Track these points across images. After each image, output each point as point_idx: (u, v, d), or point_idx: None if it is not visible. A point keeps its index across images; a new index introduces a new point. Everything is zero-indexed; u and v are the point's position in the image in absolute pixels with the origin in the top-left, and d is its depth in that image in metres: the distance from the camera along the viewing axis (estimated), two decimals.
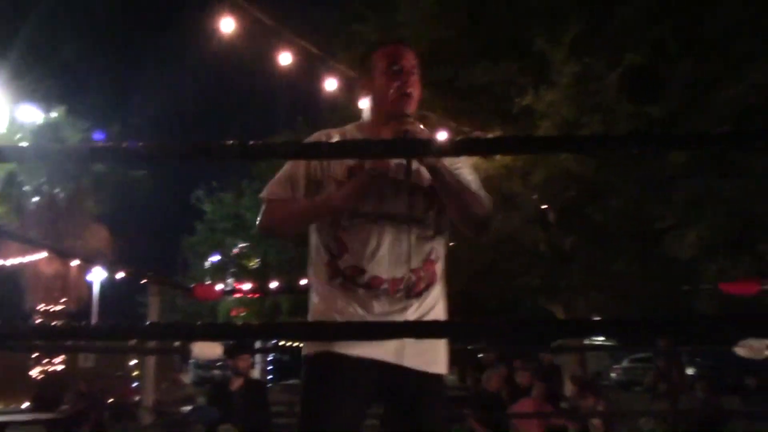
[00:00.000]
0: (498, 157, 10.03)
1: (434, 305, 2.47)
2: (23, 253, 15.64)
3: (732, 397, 13.65)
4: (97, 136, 17.25)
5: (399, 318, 2.34)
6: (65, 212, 16.41)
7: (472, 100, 11.09)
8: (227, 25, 5.11)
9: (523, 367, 10.68)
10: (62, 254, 14.01)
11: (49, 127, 16.80)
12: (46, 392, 15.47)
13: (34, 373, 15.88)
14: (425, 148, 2.13)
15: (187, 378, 20.80)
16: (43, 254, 15.79)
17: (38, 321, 15.97)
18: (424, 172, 2.40)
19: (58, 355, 15.86)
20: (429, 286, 2.46)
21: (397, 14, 11.39)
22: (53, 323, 14.73)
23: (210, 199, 22.91)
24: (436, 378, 2.41)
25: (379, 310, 2.35)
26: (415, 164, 2.41)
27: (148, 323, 2.38)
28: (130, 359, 18.27)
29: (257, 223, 2.49)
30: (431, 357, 2.41)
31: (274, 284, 16.55)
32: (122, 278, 16.75)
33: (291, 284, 17.03)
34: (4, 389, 16.16)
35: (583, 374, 11.36)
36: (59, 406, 13.85)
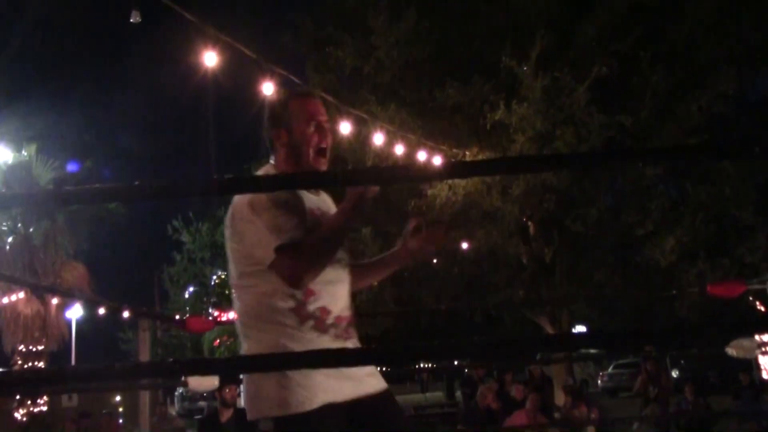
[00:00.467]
0: None
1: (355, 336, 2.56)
2: (1, 294, 15.39)
3: (723, 397, 13.81)
4: (71, 167, 17.10)
5: None
6: (41, 250, 16.17)
7: (448, 119, 11.23)
8: (208, 58, 5.14)
9: (516, 381, 10.76)
10: (48, 291, 13.80)
11: (20, 166, 16.61)
12: None
13: (18, 415, 15.55)
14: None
15: (173, 410, 20.55)
16: (21, 294, 15.56)
17: (19, 362, 15.69)
18: None
19: (42, 396, 15.56)
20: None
21: (371, 37, 11.51)
22: (41, 365, 14.53)
23: (188, 229, 22.80)
24: (388, 390, 2.52)
25: (343, 346, 2.42)
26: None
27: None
28: (114, 396, 18.00)
29: (288, 278, 2.30)
30: (378, 376, 2.52)
31: None
32: (101, 315, 16.62)
33: None
34: None
35: (573, 384, 11.44)
36: None
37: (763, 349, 7.32)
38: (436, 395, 27.65)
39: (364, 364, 2.25)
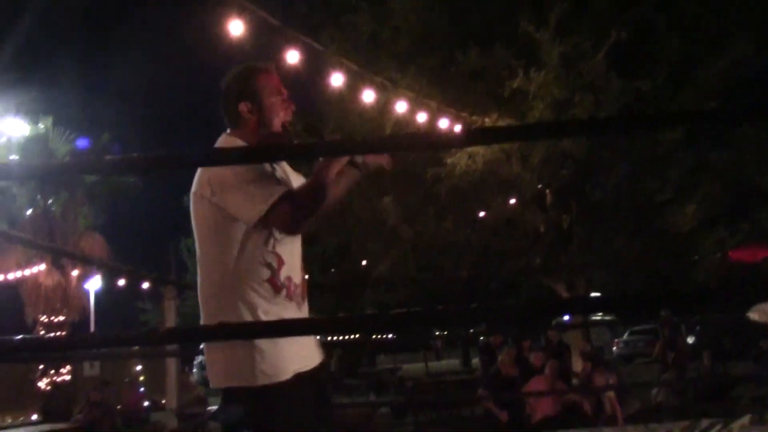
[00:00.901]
0: None
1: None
2: (23, 266, 15.58)
3: (740, 363, 13.84)
4: (81, 143, 17.12)
5: None
6: (60, 222, 16.31)
7: (467, 85, 11.14)
8: (234, 26, 5.13)
9: (534, 348, 10.82)
10: (72, 257, 13.90)
11: (37, 138, 16.68)
12: (55, 403, 15.47)
13: (42, 384, 15.81)
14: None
15: (192, 378, 20.81)
16: (42, 266, 15.73)
17: (41, 333, 15.91)
18: None
19: (64, 366, 15.80)
20: None
21: (389, 3, 11.40)
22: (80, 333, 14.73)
23: None
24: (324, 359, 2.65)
25: (302, 314, 2.53)
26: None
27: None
28: (134, 365, 18.24)
29: (287, 226, 2.42)
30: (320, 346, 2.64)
31: None
32: (120, 286, 16.80)
33: None
34: (12, 402, 16.11)
35: (591, 350, 11.48)
36: (69, 416, 13.86)
37: None
38: (452, 363, 27.87)
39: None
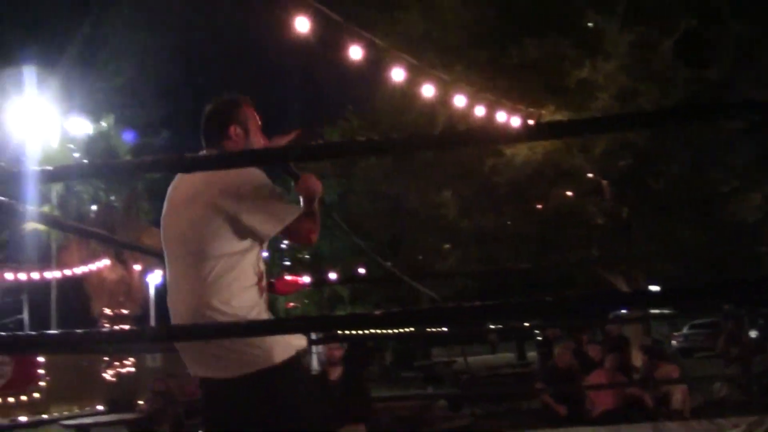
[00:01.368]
0: None
1: None
2: (87, 261, 16.05)
3: None
4: (127, 136, 17.51)
5: None
6: (122, 217, 16.74)
7: (521, 77, 11.04)
8: (300, 23, 5.20)
9: (593, 341, 10.69)
10: (140, 251, 14.27)
11: (99, 136, 17.14)
12: (121, 394, 15.90)
13: (107, 375, 16.28)
14: None
15: None
16: (106, 261, 16.19)
17: (105, 326, 16.36)
18: None
19: (128, 357, 16.25)
20: None
21: None
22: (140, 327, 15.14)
23: None
24: None
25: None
26: None
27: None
28: None
29: (311, 237, 2.72)
30: None
31: (332, 275, 16.70)
32: None
33: (349, 273, 17.22)
34: (79, 392, 16.61)
35: (652, 344, 11.29)
36: (134, 406, 14.24)
37: None
38: (507, 356, 27.70)
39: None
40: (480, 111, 7.94)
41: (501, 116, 8.30)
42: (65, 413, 15.79)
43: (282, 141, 3.04)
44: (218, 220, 2.54)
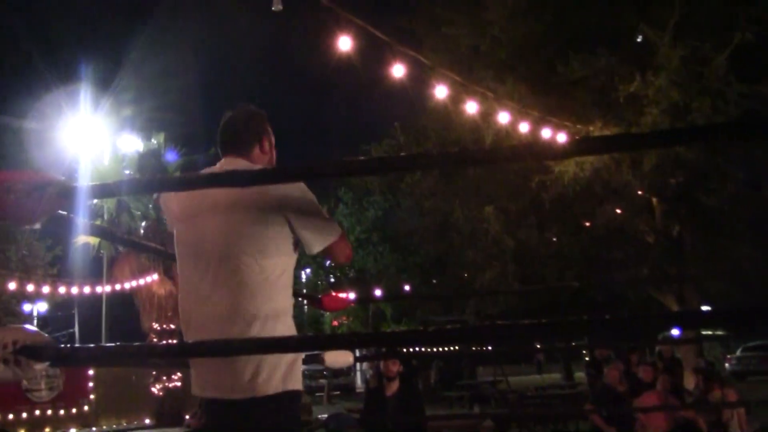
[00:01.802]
0: None
1: None
2: (137, 276, 16.34)
3: None
4: (170, 156, 17.78)
5: None
6: (170, 233, 17.02)
7: (569, 93, 10.95)
8: (343, 42, 5.24)
9: (644, 362, 10.44)
10: None
11: (150, 153, 17.50)
12: (168, 408, 16.09)
13: (155, 390, 16.50)
14: None
15: None
16: (155, 276, 16.45)
17: (154, 340, 16.61)
18: None
19: (175, 372, 16.44)
20: None
21: (485, 13, 11.36)
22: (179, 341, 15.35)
23: None
24: None
25: None
26: None
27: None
28: None
29: (350, 256, 2.76)
30: None
31: (377, 292, 16.68)
32: None
33: (394, 291, 17.17)
34: (127, 406, 16.85)
35: (706, 366, 10.97)
36: (181, 420, 14.39)
37: None
38: (553, 376, 27.27)
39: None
40: (526, 127, 7.87)
41: (547, 133, 8.21)
42: (114, 426, 16.05)
43: None
44: (274, 226, 2.46)
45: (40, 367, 1.71)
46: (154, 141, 17.73)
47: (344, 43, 5.44)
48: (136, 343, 1.70)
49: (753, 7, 9.80)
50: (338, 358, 5.88)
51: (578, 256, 12.54)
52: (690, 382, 10.74)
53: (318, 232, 2.55)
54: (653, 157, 9.97)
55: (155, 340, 16.19)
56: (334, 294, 5.19)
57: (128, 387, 16.68)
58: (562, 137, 8.66)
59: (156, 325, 16.64)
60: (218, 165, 2.70)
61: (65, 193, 1.71)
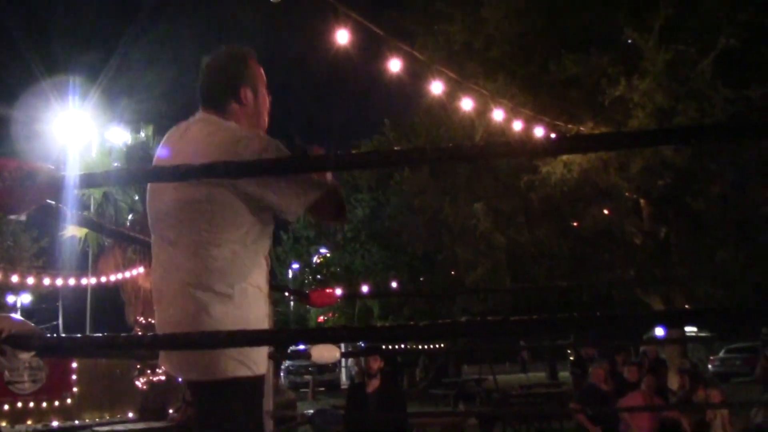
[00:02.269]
0: None
1: None
2: (122, 269, 16.24)
3: None
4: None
5: None
6: None
7: (561, 93, 10.98)
8: (340, 35, 5.22)
9: (630, 362, 10.50)
10: None
11: (138, 146, 17.40)
12: (151, 402, 16.01)
13: (139, 383, 16.41)
14: None
15: (280, 383, 21.21)
16: (141, 269, 16.36)
17: (139, 333, 16.52)
18: None
19: (160, 366, 16.37)
20: None
21: (481, 11, 11.37)
22: None
23: None
24: None
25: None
26: None
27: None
28: None
29: (336, 217, 2.43)
30: None
31: (364, 288, 16.68)
32: None
33: (382, 289, 17.17)
34: (111, 399, 16.76)
35: (690, 367, 11.05)
36: (165, 414, 14.32)
37: None
38: (538, 375, 27.38)
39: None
40: (518, 126, 7.88)
41: (539, 131, 8.23)
42: (97, 420, 15.95)
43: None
44: (234, 201, 2.19)
45: (25, 356, 1.69)
46: (142, 133, 17.61)
47: (335, 37, 5.41)
48: (124, 334, 1.68)
49: (739, 12, 9.86)
50: (325, 354, 5.87)
51: (567, 256, 12.59)
52: (674, 382, 10.81)
53: (289, 193, 2.22)
54: (640, 159, 10.02)
55: (140, 333, 16.11)
56: (322, 290, 5.15)
57: (112, 380, 16.56)
58: (553, 136, 8.68)
59: (141, 319, 16.52)
60: (190, 119, 2.43)
61: (54, 183, 1.69)
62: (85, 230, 15.78)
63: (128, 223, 16.80)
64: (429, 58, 11.39)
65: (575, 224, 11.42)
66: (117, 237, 13.47)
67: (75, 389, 15.94)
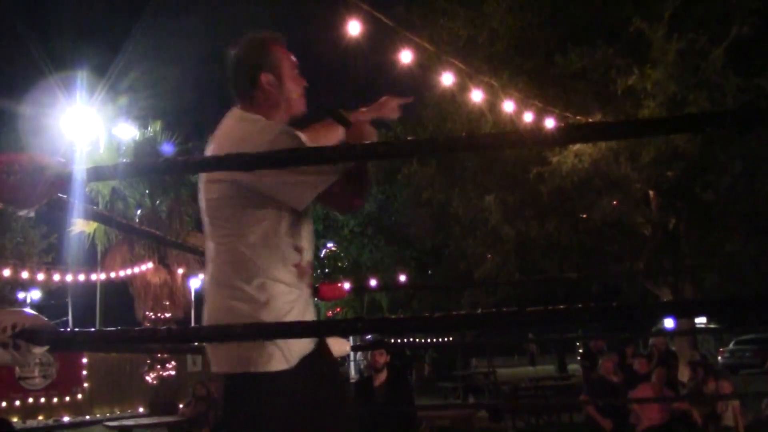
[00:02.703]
0: None
1: None
2: (131, 264, 16.29)
3: None
4: (166, 148, 17.69)
5: None
6: (166, 222, 16.96)
7: (568, 86, 10.93)
8: (352, 27, 5.21)
9: (640, 354, 10.48)
10: (192, 252, 14.42)
11: (147, 142, 17.43)
12: (162, 397, 16.09)
13: (149, 378, 16.49)
14: None
15: None
16: (150, 264, 16.41)
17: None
18: None
19: (170, 361, 16.43)
20: None
21: (483, 5, 11.32)
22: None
23: None
24: None
25: (311, 299, 2.42)
26: None
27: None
28: None
29: (354, 202, 2.34)
30: None
31: (372, 282, 16.68)
32: None
33: (390, 282, 17.17)
34: (121, 395, 16.86)
35: (701, 359, 11.01)
36: (175, 409, 14.39)
37: None
38: (547, 368, 27.37)
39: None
40: (526, 118, 7.84)
41: (549, 123, 8.19)
42: (107, 415, 16.06)
43: (366, 114, 2.78)
44: (240, 196, 2.21)
45: (38, 350, 1.69)
46: (150, 129, 17.64)
47: (343, 28, 5.39)
48: (137, 328, 1.67)
49: (747, 2, 9.79)
50: (336, 347, 5.86)
51: (576, 248, 12.56)
52: (684, 374, 10.77)
53: (295, 186, 2.19)
54: (651, 150, 9.96)
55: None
56: (332, 283, 5.16)
57: (122, 376, 16.68)
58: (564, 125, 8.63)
59: (150, 314, 16.59)
60: (226, 114, 2.46)
61: (64, 177, 1.68)
62: (93, 226, 15.85)
63: (137, 219, 16.89)
64: (433, 53, 11.38)
65: (584, 216, 11.37)
66: (126, 230, 13.52)
67: (85, 385, 16.06)
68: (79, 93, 17.19)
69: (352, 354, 23.24)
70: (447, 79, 6.70)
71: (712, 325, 22.40)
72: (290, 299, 2.26)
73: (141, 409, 16.63)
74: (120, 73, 18.70)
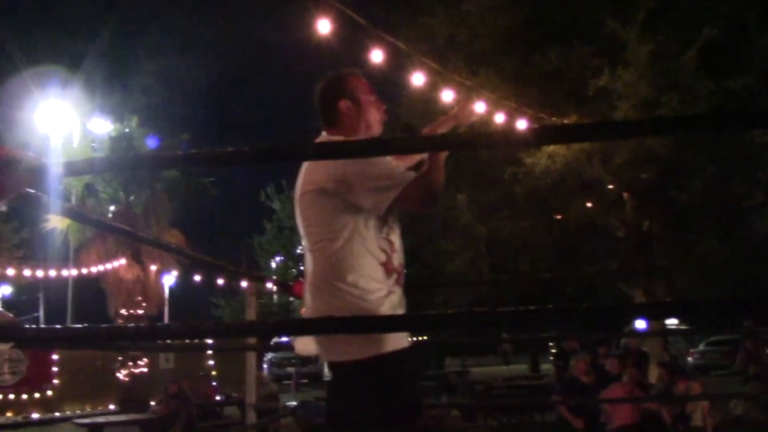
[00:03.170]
0: None
1: None
2: (104, 260, 16.12)
3: None
4: (151, 143, 17.57)
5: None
6: (141, 218, 16.80)
7: (545, 85, 10.97)
8: (321, 25, 5.18)
9: (612, 354, 10.57)
10: (175, 252, 14.30)
11: (122, 137, 17.26)
12: (133, 394, 15.94)
13: (121, 375, 16.34)
14: None
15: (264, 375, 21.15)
16: (123, 261, 16.25)
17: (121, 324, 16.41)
18: None
19: (141, 358, 16.29)
20: None
21: (463, 4, 11.34)
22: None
23: (279, 196, 23.14)
24: None
25: (403, 299, 2.62)
26: None
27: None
28: (207, 360, 18.62)
29: (427, 201, 2.53)
30: None
31: None
32: (195, 281, 17.19)
33: None
34: (92, 392, 16.70)
35: (671, 360, 11.15)
36: (147, 406, 14.27)
37: None
38: (520, 368, 27.53)
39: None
40: (501, 119, 7.87)
41: (523, 124, 8.21)
42: (78, 412, 15.89)
43: (448, 123, 3.40)
44: (330, 205, 2.48)
45: (4, 347, 1.66)
46: (126, 125, 17.46)
47: (318, 26, 5.37)
48: (104, 325, 1.65)
49: (722, 4, 9.91)
50: (308, 346, 5.84)
51: (550, 249, 12.64)
52: (653, 375, 10.89)
53: (372, 192, 2.44)
54: (624, 152, 10.06)
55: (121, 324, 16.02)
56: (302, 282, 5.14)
57: (93, 372, 16.50)
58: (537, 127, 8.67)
59: (123, 311, 16.43)
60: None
61: (35, 171, 1.65)
62: (67, 221, 15.65)
63: (110, 215, 16.69)
64: (412, 50, 11.37)
65: (559, 217, 11.45)
66: (100, 227, 13.34)
67: (55, 381, 15.88)
68: (52, 87, 16.99)
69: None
70: (421, 78, 6.70)
71: (683, 326, 22.66)
72: (380, 296, 2.46)
73: (112, 407, 16.48)
74: (95, 67, 18.54)
